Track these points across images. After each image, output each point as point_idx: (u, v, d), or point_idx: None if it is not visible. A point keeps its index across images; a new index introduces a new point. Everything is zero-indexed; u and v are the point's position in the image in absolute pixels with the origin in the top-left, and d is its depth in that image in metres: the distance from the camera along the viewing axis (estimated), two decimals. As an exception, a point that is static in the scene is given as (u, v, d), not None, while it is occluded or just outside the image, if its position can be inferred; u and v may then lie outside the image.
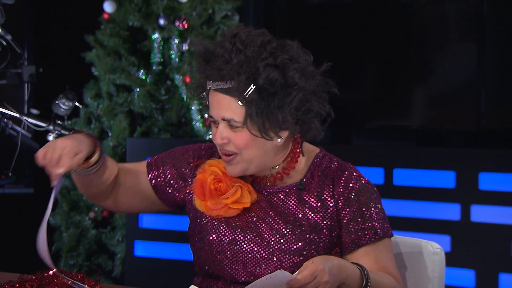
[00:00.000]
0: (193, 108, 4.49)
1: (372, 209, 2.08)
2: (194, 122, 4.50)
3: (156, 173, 2.18)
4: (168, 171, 2.18)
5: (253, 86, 1.95)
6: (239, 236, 2.07)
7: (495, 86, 4.20)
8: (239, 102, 1.97)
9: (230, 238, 2.08)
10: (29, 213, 4.95)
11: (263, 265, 2.05)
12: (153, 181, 2.18)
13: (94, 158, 2.05)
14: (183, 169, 2.17)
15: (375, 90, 4.53)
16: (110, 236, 4.59)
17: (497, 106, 4.19)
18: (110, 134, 4.59)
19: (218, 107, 2.00)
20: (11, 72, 3.45)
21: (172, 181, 2.17)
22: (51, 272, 1.99)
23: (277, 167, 2.10)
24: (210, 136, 4.53)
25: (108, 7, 4.59)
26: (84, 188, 2.18)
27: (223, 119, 2.00)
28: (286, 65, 1.97)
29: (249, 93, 1.95)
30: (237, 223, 2.08)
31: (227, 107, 1.98)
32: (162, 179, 2.18)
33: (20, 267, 2.49)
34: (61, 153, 1.96)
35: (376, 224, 2.07)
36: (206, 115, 2.12)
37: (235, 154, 2.03)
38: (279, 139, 2.03)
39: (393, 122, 4.45)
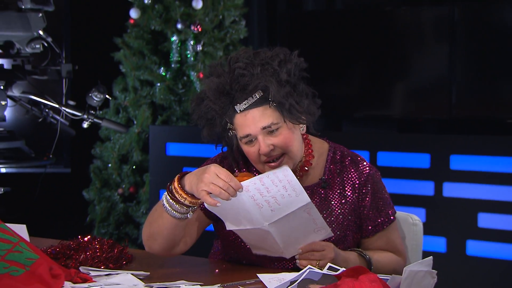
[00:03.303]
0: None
1: (385, 195, 2.01)
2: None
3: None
4: None
5: (280, 83, 1.81)
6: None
7: (464, 81, 4.19)
8: (271, 106, 1.81)
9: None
10: (67, 189, 4.98)
11: None
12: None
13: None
14: None
15: (362, 85, 4.52)
16: (136, 209, 4.60)
17: (466, 98, 4.18)
18: (135, 122, 4.60)
19: (254, 121, 1.82)
20: (51, 69, 3.44)
21: None
22: (86, 238, 2.01)
23: (300, 161, 1.95)
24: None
25: (134, 14, 4.58)
26: (172, 237, 1.91)
27: (263, 128, 1.82)
28: (288, 59, 1.85)
29: (278, 92, 1.79)
30: None
31: (261, 116, 1.81)
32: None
33: (60, 234, 2.51)
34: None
35: (389, 210, 2.01)
36: (240, 140, 1.87)
37: (283, 155, 1.85)
38: (302, 128, 1.90)
39: (378, 112, 4.44)
